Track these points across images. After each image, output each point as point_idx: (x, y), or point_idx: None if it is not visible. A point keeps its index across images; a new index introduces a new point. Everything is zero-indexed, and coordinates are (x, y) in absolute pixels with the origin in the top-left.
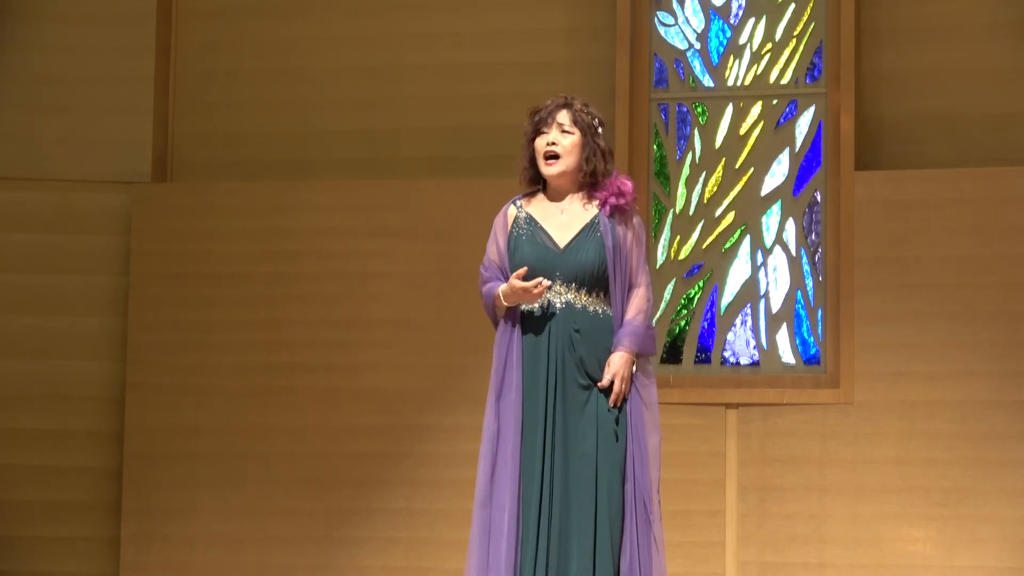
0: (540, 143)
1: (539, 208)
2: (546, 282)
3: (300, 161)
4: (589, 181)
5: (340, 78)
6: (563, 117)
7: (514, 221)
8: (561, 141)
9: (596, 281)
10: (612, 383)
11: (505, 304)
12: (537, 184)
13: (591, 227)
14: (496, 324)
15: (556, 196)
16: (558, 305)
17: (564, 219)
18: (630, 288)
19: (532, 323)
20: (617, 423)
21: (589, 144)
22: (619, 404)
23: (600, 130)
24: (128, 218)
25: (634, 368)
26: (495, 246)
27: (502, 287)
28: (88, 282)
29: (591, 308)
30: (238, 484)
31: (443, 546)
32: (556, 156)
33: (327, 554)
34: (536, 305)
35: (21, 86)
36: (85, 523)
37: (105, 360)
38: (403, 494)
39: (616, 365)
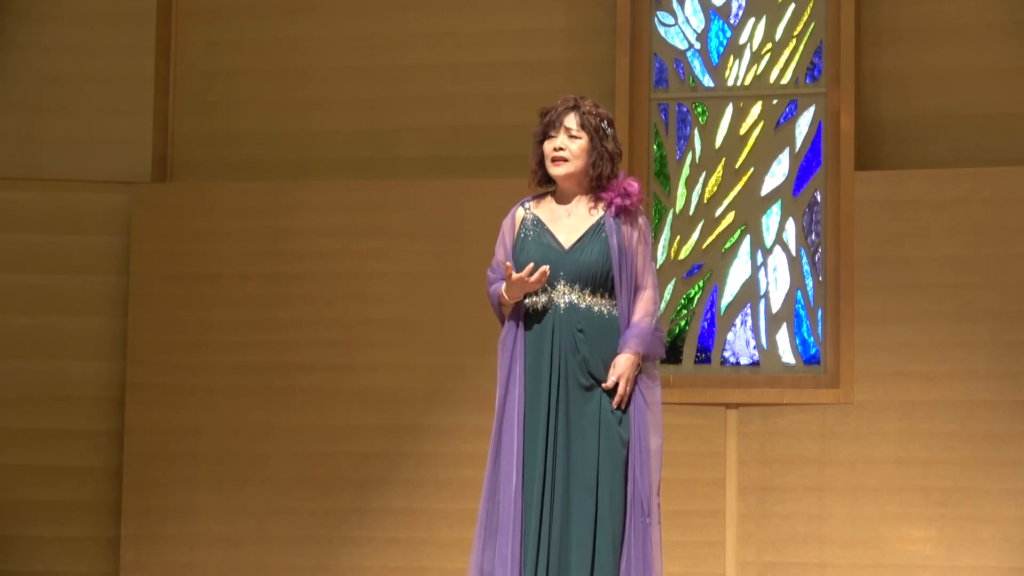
0: (548, 147)
1: (546, 210)
2: (543, 267)
3: (300, 161)
4: (595, 184)
5: (340, 78)
6: (571, 121)
7: (521, 223)
8: (568, 146)
9: (601, 281)
10: (616, 384)
11: (509, 301)
12: (550, 184)
13: (597, 228)
14: (503, 321)
15: (564, 198)
16: (562, 305)
17: (571, 221)
18: (637, 289)
19: (536, 322)
20: (620, 424)
21: (596, 148)
22: (623, 406)
23: (609, 131)
24: (128, 218)
25: (639, 370)
26: (503, 248)
27: (503, 287)
28: (88, 282)
29: (596, 308)
30: (238, 484)
31: (443, 546)
32: (564, 160)
33: (327, 554)
34: (540, 304)
35: (21, 86)
36: (85, 523)
37: (105, 360)
38: (403, 494)
39: (621, 367)
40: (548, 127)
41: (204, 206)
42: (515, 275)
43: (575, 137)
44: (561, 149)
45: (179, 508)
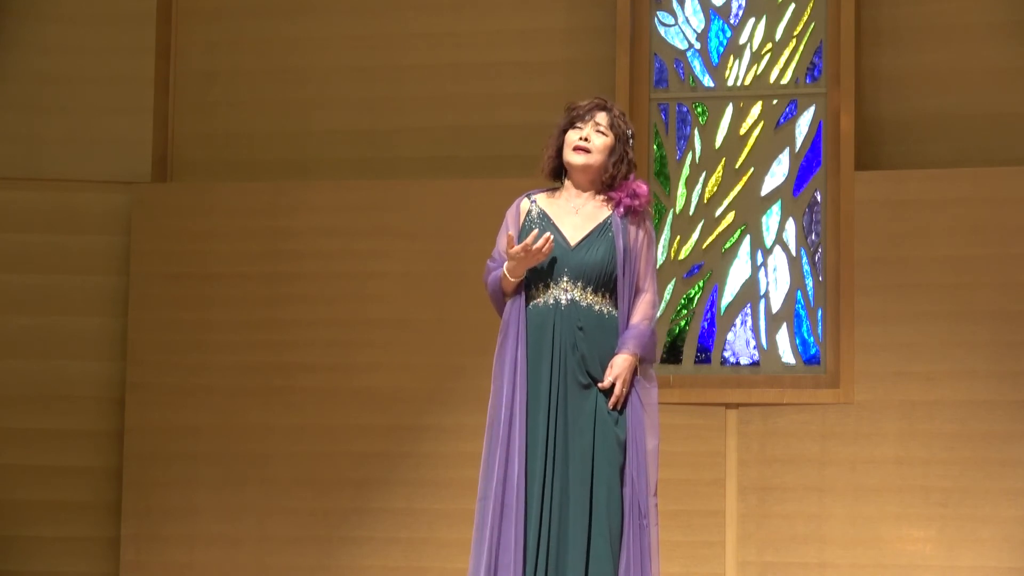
0: (572, 136)
1: (553, 205)
2: (547, 234)
3: (300, 161)
4: (607, 185)
5: (340, 78)
6: (601, 118)
7: (527, 215)
8: (594, 139)
9: (604, 281)
10: (613, 385)
11: (512, 280)
12: (558, 178)
13: (604, 227)
14: (501, 312)
15: (572, 194)
16: (564, 301)
17: (577, 218)
18: (637, 292)
19: (537, 317)
20: (617, 424)
21: (619, 150)
22: (619, 407)
23: (631, 141)
24: (128, 218)
25: (636, 372)
26: (506, 239)
27: (506, 264)
28: (88, 282)
29: (596, 307)
30: (238, 484)
31: (443, 546)
32: (587, 151)
33: (327, 554)
34: (542, 300)
35: (21, 86)
36: (85, 523)
37: (105, 360)
38: (403, 494)
39: (619, 367)
40: (576, 119)
41: (204, 206)
42: (517, 246)
43: (602, 133)
44: (586, 140)
45: (179, 508)
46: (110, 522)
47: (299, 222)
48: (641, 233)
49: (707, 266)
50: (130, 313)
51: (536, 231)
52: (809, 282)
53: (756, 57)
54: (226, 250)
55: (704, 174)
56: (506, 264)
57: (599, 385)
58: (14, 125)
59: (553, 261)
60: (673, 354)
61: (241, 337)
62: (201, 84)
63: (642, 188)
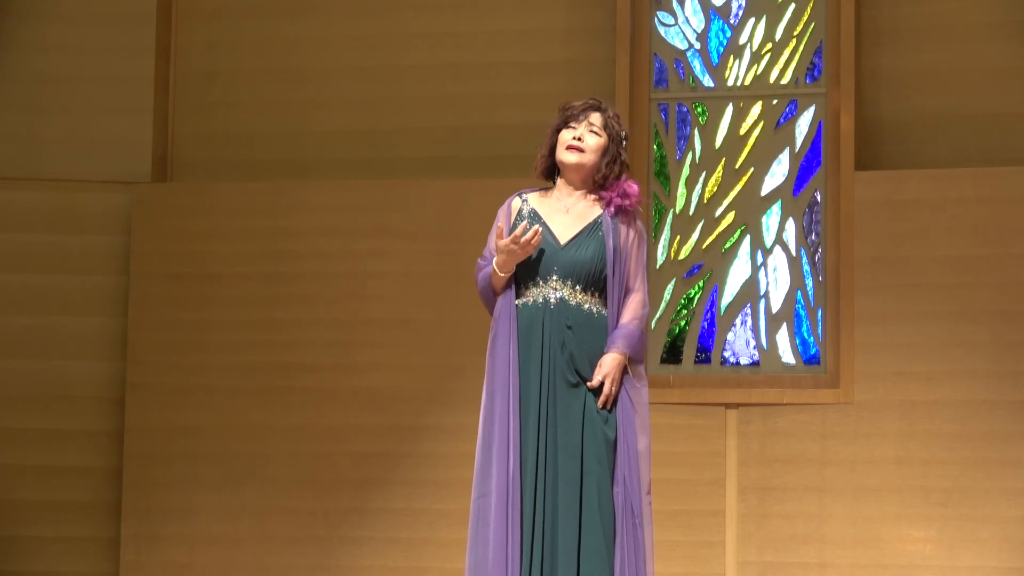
0: (566, 135)
1: (544, 204)
2: (536, 226)
3: (300, 161)
4: (599, 185)
5: (340, 78)
6: (595, 119)
7: (517, 213)
8: (587, 139)
9: (593, 280)
10: (602, 384)
11: (502, 274)
12: (551, 178)
13: (594, 226)
14: (492, 310)
15: (563, 194)
16: (552, 300)
17: (568, 217)
18: (626, 292)
19: (527, 316)
20: (606, 423)
21: (612, 151)
22: (608, 406)
23: (624, 143)
24: (128, 218)
25: (626, 371)
26: (496, 237)
27: (495, 259)
28: (88, 282)
29: (586, 306)
30: (238, 484)
31: (443, 546)
32: (580, 150)
33: (327, 554)
34: (531, 298)
35: (21, 86)
36: (85, 523)
37: (105, 360)
38: (403, 494)
39: (607, 366)
40: (570, 118)
41: (204, 206)
42: (505, 238)
43: (596, 133)
44: (580, 139)
45: (179, 508)
46: (110, 522)
47: (299, 222)
48: (632, 233)
49: (707, 266)
50: (130, 313)
51: (525, 223)
52: (809, 282)
53: (756, 57)
54: (226, 250)
55: (704, 174)
56: (496, 259)
57: (588, 384)
58: (14, 125)
59: (542, 259)
60: (673, 354)
61: (241, 337)
62: (201, 84)
63: (633, 188)
